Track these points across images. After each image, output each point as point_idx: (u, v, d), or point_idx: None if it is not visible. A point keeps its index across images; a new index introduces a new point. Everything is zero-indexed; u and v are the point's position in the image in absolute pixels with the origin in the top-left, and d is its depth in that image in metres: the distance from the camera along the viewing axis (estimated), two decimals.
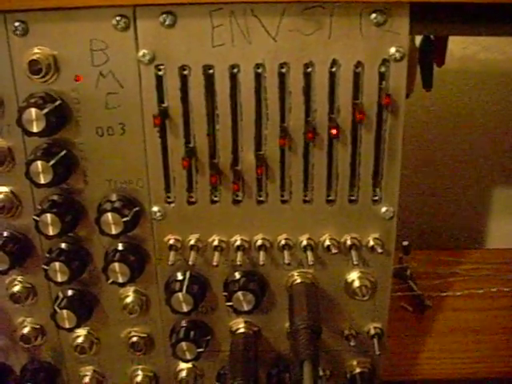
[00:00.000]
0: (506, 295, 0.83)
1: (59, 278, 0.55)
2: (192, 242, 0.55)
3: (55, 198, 0.54)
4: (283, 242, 0.55)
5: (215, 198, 0.54)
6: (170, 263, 0.55)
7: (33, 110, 0.49)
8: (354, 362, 0.61)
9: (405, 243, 0.85)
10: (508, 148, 1.00)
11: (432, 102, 0.94)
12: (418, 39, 0.77)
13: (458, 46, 0.92)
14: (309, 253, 0.54)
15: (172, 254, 0.55)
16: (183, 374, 0.61)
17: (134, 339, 0.60)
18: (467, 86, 0.97)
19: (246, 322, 0.59)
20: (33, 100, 0.49)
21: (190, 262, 0.55)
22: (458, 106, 0.98)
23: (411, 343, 0.75)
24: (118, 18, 0.48)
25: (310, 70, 0.50)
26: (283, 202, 0.54)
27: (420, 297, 0.81)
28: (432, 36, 0.70)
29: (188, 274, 0.56)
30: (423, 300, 0.80)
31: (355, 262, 0.54)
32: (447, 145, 1.00)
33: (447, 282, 0.85)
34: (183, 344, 0.57)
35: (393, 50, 0.49)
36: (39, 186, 0.51)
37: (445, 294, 0.83)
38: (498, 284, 0.84)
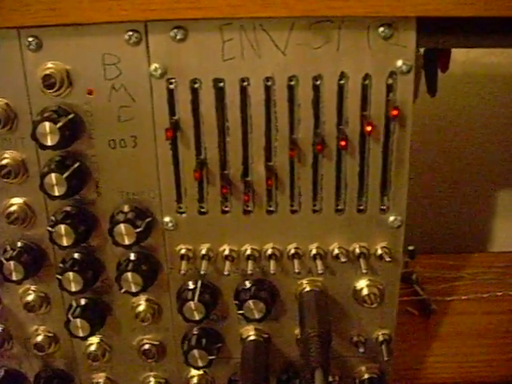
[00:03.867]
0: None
1: (73, 288, 0.55)
2: (203, 252, 0.56)
3: (68, 209, 0.55)
4: (293, 250, 0.56)
5: (226, 209, 0.55)
6: (181, 272, 0.56)
7: (47, 124, 0.49)
8: (363, 368, 0.61)
9: (410, 248, 0.85)
10: (511, 151, 1.01)
11: (436, 106, 0.95)
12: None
13: (462, 50, 0.92)
14: (318, 261, 0.55)
15: (184, 263, 0.56)
16: (194, 380, 0.62)
17: (146, 347, 0.61)
18: (471, 90, 0.98)
19: (256, 330, 0.59)
20: (47, 114, 0.50)
21: (202, 271, 0.55)
22: (463, 109, 0.99)
23: (417, 347, 0.76)
24: (130, 33, 0.49)
25: (318, 82, 0.50)
26: (293, 211, 0.55)
27: (426, 301, 0.81)
28: None
29: (199, 283, 0.56)
30: (429, 304, 0.81)
31: (364, 271, 0.55)
32: (452, 149, 1.01)
33: (453, 286, 0.85)
34: (195, 351, 0.58)
35: (400, 62, 0.49)
36: (53, 198, 0.52)
37: (450, 298, 0.83)
38: (504, 288, 0.84)
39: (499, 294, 0.83)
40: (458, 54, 0.91)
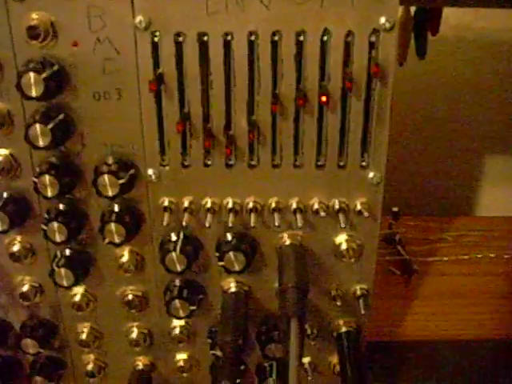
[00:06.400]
0: (491, 261, 0.85)
1: (58, 238, 0.56)
2: (186, 204, 0.56)
3: (53, 160, 0.55)
4: (274, 204, 0.56)
5: (208, 162, 0.55)
6: (164, 224, 0.56)
7: (31, 75, 0.49)
8: (341, 322, 0.62)
9: (394, 209, 0.87)
10: (498, 117, 1.01)
11: (425, 69, 0.95)
12: (413, 8, 0.78)
13: (454, 15, 0.92)
14: (298, 215, 0.56)
15: (166, 215, 0.56)
16: (176, 330, 0.63)
17: (130, 297, 0.61)
18: (461, 55, 0.98)
19: (237, 282, 0.60)
20: (31, 65, 0.50)
21: (184, 224, 0.56)
22: (451, 74, 0.99)
23: (398, 306, 0.78)
24: None
25: (301, 38, 0.51)
26: (274, 166, 0.55)
27: (408, 261, 0.83)
28: None
29: (182, 235, 0.57)
30: (411, 264, 0.83)
31: (343, 225, 0.55)
32: (439, 112, 1.01)
33: (435, 248, 0.87)
34: (177, 302, 0.58)
35: (383, 19, 0.49)
36: (38, 148, 0.52)
37: (432, 259, 0.85)
38: (484, 250, 0.87)
39: (479, 257, 0.85)
40: (450, 18, 0.91)
